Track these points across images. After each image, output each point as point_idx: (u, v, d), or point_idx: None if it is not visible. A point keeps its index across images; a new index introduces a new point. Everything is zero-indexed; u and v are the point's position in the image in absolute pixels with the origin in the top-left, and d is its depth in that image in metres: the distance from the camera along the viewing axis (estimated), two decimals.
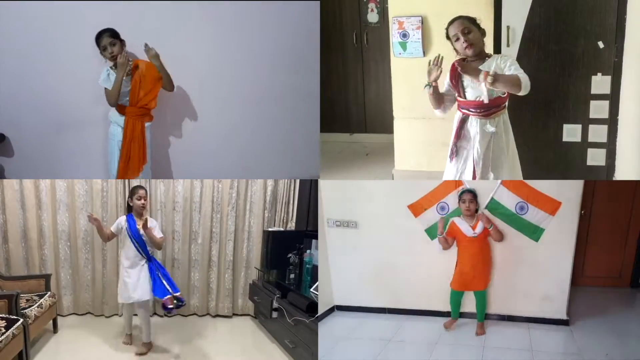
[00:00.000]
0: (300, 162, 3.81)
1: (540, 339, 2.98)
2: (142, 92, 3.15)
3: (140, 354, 3.31)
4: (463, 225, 2.99)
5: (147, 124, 3.24)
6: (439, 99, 2.71)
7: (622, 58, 3.18)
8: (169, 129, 3.57)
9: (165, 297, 3.24)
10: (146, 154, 3.25)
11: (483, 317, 3.12)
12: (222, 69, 3.54)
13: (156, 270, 3.31)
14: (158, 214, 4.14)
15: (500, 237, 3.00)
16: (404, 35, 3.50)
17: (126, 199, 3.44)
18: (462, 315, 3.27)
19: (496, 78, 2.40)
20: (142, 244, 3.25)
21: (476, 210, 2.99)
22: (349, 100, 4.98)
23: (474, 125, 2.64)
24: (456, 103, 2.73)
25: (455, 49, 2.61)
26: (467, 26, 2.54)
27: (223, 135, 3.67)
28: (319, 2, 3.55)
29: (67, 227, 4.03)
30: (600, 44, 3.20)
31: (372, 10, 4.59)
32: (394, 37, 3.54)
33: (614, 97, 3.26)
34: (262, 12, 3.50)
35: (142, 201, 3.25)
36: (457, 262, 3.06)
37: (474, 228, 2.97)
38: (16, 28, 3.25)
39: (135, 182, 3.80)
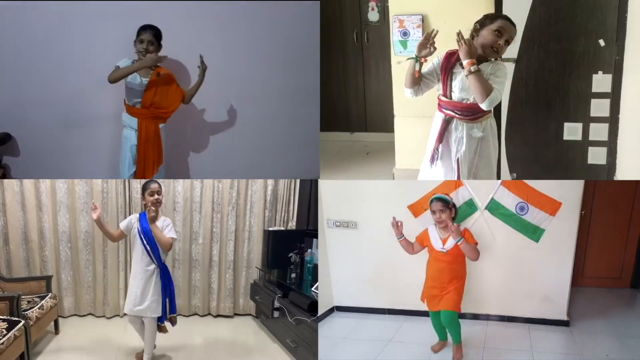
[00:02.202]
0: (301, 162, 3.81)
1: (541, 339, 2.98)
2: (157, 98, 3.13)
3: None
4: (434, 236, 2.73)
5: (160, 126, 3.22)
6: (417, 78, 2.51)
7: (623, 56, 3.17)
8: (169, 129, 3.57)
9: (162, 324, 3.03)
10: (162, 155, 3.23)
11: (459, 338, 2.77)
12: (222, 68, 3.53)
13: (166, 286, 2.98)
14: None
15: (475, 255, 2.68)
16: (405, 33, 3.48)
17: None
18: (464, 316, 3.26)
19: (477, 73, 2.28)
20: (154, 247, 2.90)
21: (454, 220, 2.69)
22: (350, 99, 4.96)
23: (459, 129, 2.50)
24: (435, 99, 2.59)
25: (474, 35, 2.42)
26: (513, 34, 2.40)
27: (223, 135, 3.67)
28: (319, 1, 3.54)
29: (68, 229, 4.03)
30: (601, 42, 3.18)
31: (372, 9, 4.57)
32: (395, 36, 3.52)
33: (615, 96, 3.25)
34: (262, 11, 3.49)
35: (156, 196, 2.90)
36: (426, 276, 2.83)
37: (444, 242, 2.69)
38: (21, 27, 3.25)
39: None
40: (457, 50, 2.45)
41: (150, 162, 3.19)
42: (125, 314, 3.95)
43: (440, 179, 2.68)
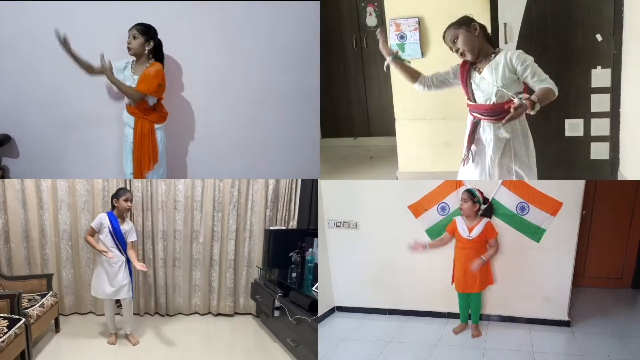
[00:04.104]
0: (301, 165, 3.80)
1: (542, 340, 2.98)
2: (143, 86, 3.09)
3: (137, 343, 3.51)
4: (461, 225, 2.96)
5: (157, 126, 3.23)
6: (410, 71, 2.66)
7: (621, 50, 3.17)
8: (172, 130, 3.57)
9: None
10: (157, 152, 3.25)
11: (477, 318, 3.10)
12: (223, 69, 3.54)
13: (130, 272, 3.47)
14: (159, 213, 4.15)
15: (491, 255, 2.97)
16: (402, 37, 3.48)
17: (111, 198, 3.48)
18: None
19: (539, 102, 2.23)
20: (123, 243, 3.39)
21: (478, 212, 2.93)
22: (352, 104, 4.96)
23: (487, 130, 2.52)
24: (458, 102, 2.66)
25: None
26: (454, 33, 2.46)
27: (224, 136, 3.67)
28: (319, 1, 3.54)
29: (69, 227, 4.03)
30: (599, 37, 3.19)
31: (370, 14, 4.57)
32: (392, 39, 3.51)
33: (614, 90, 3.25)
34: (262, 11, 3.49)
35: (129, 203, 3.41)
36: (454, 262, 3.05)
37: (470, 230, 2.92)
38: (19, 27, 3.25)
39: (119, 184, 3.89)
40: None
41: (146, 158, 3.23)
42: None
43: (476, 179, 2.69)
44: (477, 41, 2.45)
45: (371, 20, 4.59)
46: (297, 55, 3.58)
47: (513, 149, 2.51)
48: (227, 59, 3.52)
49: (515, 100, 2.24)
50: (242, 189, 4.29)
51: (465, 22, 2.47)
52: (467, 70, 2.52)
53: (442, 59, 3.45)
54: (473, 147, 2.59)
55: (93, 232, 3.37)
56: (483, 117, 2.52)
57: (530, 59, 2.40)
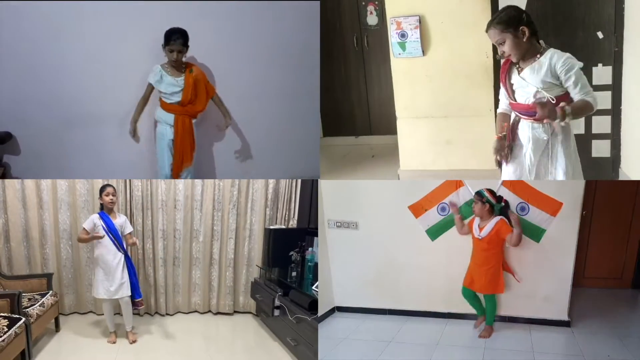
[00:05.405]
0: (302, 164, 3.80)
1: (542, 340, 2.98)
2: (193, 97, 3.28)
3: (135, 341, 3.52)
4: (475, 224, 2.99)
5: (193, 120, 3.37)
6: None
7: (622, 47, 3.15)
8: None
9: (138, 299, 3.52)
10: (195, 145, 3.39)
11: (492, 320, 3.10)
12: (223, 69, 3.53)
13: (130, 269, 3.48)
14: (159, 213, 4.14)
15: (516, 241, 2.89)
16: (403, 35, 3.47)
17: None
18: (465, 316, 3.28)
19: (573, 113, 2.11)
20: (119, 239, 3.40)
21: (491, 212, 2.91)
22: (353, 103, 4.96)
23: (525, 130, 2.45)
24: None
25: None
26: (500, 37, 2.29)
27: (224, 135, 3.67)
28: (319, 1, 3.53)
29: (69, 226, 4.03)
30: (600, 34, 3.17)
31: (371, 12, 4.56)
32: (393, 38, 3.50)
33: (616, 87, 3.24)
34: (263, 12, 3.48)
35: (110, 197, 3.38)
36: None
37: (480, 230, 2.94)
38: (23, 26, 3.25)
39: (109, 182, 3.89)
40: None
41: (188, 154, 3.36)
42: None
43: (511, 177, 2.61)
44: (524, 45, 2.30)
45: (372, 19, 4.57)
46: (297, 55, 3.58)
47: (551, 151, 2.44)
48: (227, 59, 3.52)
49: (546, 99, 2.17)
50: (242, 188, 4.29)
51: (513, 25, 2.27)
52: (507, 68, 2.44)
53: (443, 57, 3.48)
54: (513, 144, 2.51)
55: (87, 234, 3.38)
56: (523, 116, 2.45)
57: (576, 67, 2.24)
